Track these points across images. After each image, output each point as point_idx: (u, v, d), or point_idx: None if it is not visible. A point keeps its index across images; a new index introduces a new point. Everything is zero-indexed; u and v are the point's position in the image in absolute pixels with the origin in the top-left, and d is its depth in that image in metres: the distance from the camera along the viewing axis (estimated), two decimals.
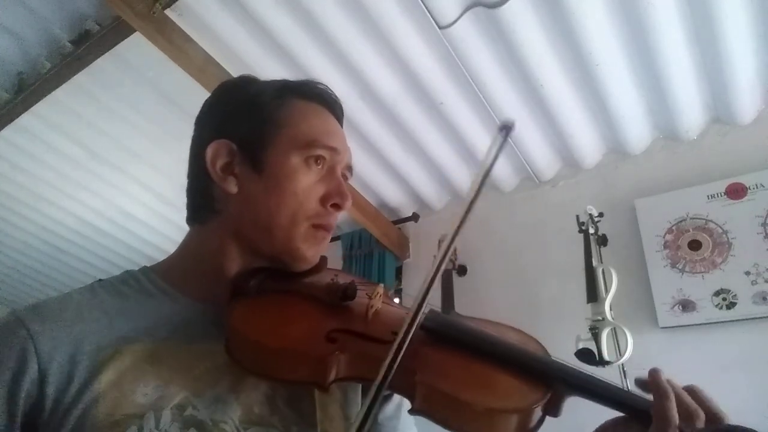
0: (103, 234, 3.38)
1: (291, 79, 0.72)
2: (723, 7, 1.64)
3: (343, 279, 0.67)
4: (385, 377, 0.47)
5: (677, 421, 0.49)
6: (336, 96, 0.73)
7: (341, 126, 0.73)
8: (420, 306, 0.54)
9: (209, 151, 0.65)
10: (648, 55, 1.83)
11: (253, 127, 0.66)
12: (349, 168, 0.71)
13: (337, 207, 0.66)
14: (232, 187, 0.65)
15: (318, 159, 0.65)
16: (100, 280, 0.67)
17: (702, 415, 0.51)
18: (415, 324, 0.53)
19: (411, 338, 0.54)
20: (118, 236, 3.40)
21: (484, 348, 0.59)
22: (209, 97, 0.73)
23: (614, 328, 1.85)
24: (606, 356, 1.79)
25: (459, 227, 0.57)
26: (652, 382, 0.54)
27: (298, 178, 0.64)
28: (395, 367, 0.49)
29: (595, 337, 1.83)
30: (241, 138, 0.66)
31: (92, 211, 3.16)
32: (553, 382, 0.56)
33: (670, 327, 1.98)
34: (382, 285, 0.67)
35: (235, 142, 0.66)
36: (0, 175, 2.83)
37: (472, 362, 0.58)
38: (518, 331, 0.67)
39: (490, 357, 0.58)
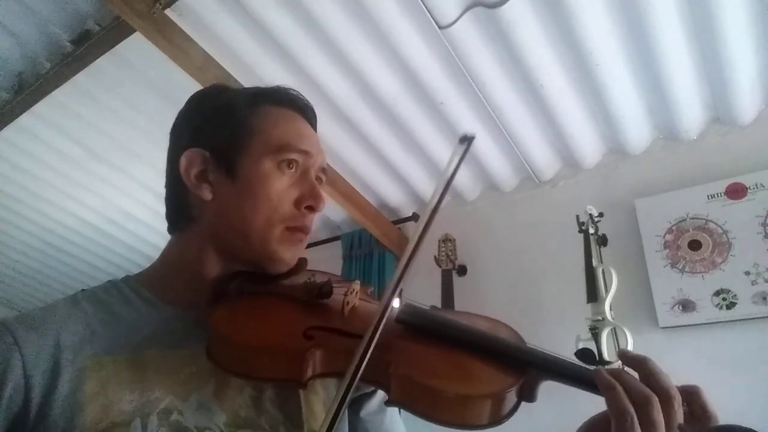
0: (103, 234, 3.38)
1: (263, 86, 0.73)
2: (723, 7, 1.64)
3: (320, 278, 0.68)
4: (357, 369, 0.48)
5: (632, 411, 0.49)
6: (307, 100, 0.74)
7: (315, 130, 0.74)
8: (389, 301, 0.55)
9: (183, 160, 0.66)
10: (648, 55, 1.83)
11: (225, 135, 0.67)
12: (323, 170, 0.72)
13: (311, 209, 0.67)
14: (207, 195, 0.66)
15: (291, 163, 0.66)
16: (83, 290, 0.68)
17: (654, 397, 0.50)
18: (384, 317, 0.54)
19: (385, 331, 0.55)
20: (118, 236, 3.40)
21: (457, 337, 0.61)
22: (183, 107, 0.73)
23: (614, 328, 1.86)
24: (606, 356, 1.79)
25: (421, 237, 0.61)
26: (597, 379, 0.53)
27: (271, 183, 0.65)
28: (366, 359, 0.49)
29: (595, 337, 1.83)
30: (214, 146, 0.67)
31: (92, 211, 3.16)
32: (525, 367, 0.57)
33: (670, 327, 1.98)
34: (358, 282, 0.69)
35: (208, 150, 0.67)
36: (0, 175, 2.83)
37: (446, 352, 0.59)
38: (492, 320, 0.68)
39: (463, 346, 0.60)
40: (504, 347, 0.60)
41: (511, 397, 0.55)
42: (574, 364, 0.57)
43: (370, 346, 0.51)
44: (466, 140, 0.65)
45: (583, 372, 0.56)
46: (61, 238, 3.44)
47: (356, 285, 0.67)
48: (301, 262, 0.70)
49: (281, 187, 0.65)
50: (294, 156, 0.67)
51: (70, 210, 3.14)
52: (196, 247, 0.67)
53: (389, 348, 0.57)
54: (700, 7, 1.67)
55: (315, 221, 0.73)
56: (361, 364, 0.49)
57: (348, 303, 0.64)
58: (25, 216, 3.21)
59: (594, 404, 0.57)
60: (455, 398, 0.53)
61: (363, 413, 0.71)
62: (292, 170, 0.67)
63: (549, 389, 0.58)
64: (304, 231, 0.68)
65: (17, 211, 3.17)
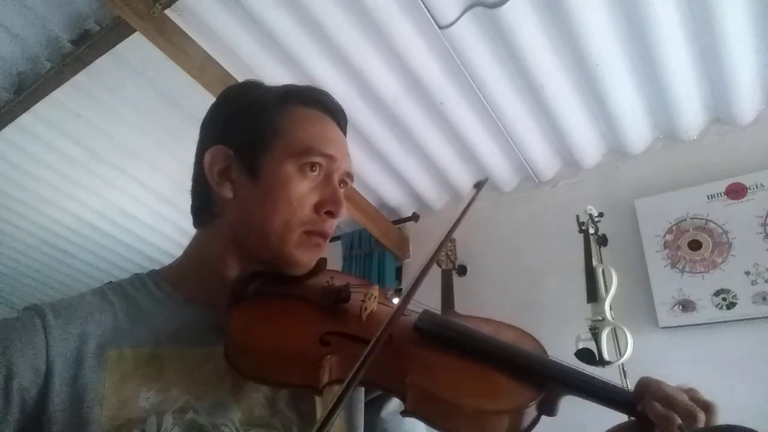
0: (103, 234, 3.38)
1: (294, 84, 0.73)
2: (723, 6, 1.65)
3: (340, 281, 0.68)
4: (356, 373, 0.47)
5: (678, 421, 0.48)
6: (338, 102, 0.73)
7: (344, 132, 0.73)
8: (399, 309, 0.55)
9: (207, 157, 0.66)
10: (648, 54, 1.83)
11: (250, 134, 0.67)
12: (349, 175, 0.71)
13: (331, 214, 0.66)
14: (228, 193, 0.66)
15: (313, 166, 0.66)
16: (110, 282, 0.69)
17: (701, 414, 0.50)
18: (391, 325, 0.53)
19: (403, 339, 0.54)
20: (118, 236, 3.40)
21: (476, 348, 0.59)
22: (214, 102, 0.73)
23: (614, 328, 1.85)
24: (606, 356, 1.78)
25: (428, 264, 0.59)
26: (644, 387, 0.53)
27: (292, 186, 0.64)
28: (367, 363, 0.48)
29: (595, 337, 1.83)
30: (238, 144, 0.67)
31: (92, 211, 3.16)
32: (547, 382, 0.55)
33: (670, 327, 1.98)
34: (377, 286, 0.68)
35: (232, 148, 0.66)
36: (0, 175, 2.83)
37: (465, 363, 0.58)
38: (515, 329, 0.67)
39: (482, 357, 0.58)
40: (525, 360, 0.57)
41: (531, 411, 0.53)
42: (599, 379, 0.55)
43: (375, 347, 0.49)
44: (479, 185, 0.69)
45: (609, 389, 0.54)
46: (61, 238, 3.44)
47: (375, 290, 0.66)
48: (321, 263, 0.70)
49: (302, 190, 0.65)
50: (317, 160, 0.66)
51: (70, 210, 3.14)
52: (217, 244, 0.68)
53: (406, 357, 0.56)
54: (700, 7, 1.67)
55: None
56: (364, 364, 0.48)
57: (366, 308, 0.63)
58: (25, 216, 3.21)
59: (598, 412, 0.57)
60: (474, 413, 0.52)
61: (384, 413, 0.71)
62: (315, 173, 0.66)
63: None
64: (322, 236, 0.67)
65: (17, 211, 3.16)
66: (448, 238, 0.63)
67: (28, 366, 0.54)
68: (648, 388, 0.52)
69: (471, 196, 0.69)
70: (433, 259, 0.61)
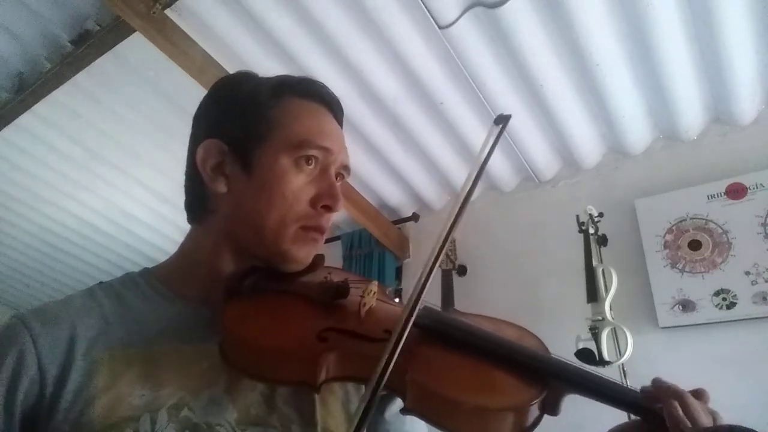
0: (103, 234, 3.38)
1: (289, 75, 0.71)
2: (723, 6, 1.65)
3: (338, 277, 0.67)
4: (380, 378, 0.46)
5: (689, 424, 0.48)
6: (334, 94, 0.71)
7: (340, 124, 0.72)
8: (414, 305, 0.53)
9: (200, 151, 0.65)
10: (648, 54, 1.83)
11: (244, 127, 0.65)
12: (345, 167, 0.69)
13: (328, 209, 0.65)
14: (222, 188, 0.64)
15: (309, 159, 0.64)
16: (101, 282, 0.68)
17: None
18: (410, 324, 0.52)
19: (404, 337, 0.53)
20: (118, 236, 3.40)
21: (477, 345, 0.58)
22: (207, 94, 0.72)
23: (614, 328, 1.85)
24: (606, 356, 1.78)
25: (454, 223, 0.57)
26: (659, 387, 0.52)
27: (288, 180, 0.63)
28: (390, 366, 0.48)
29: (595, 337, 1.83)
30: (232, 138, 0.65)
31: (92, 211, 3.16)
32: (549, 380, 0.54)
33: (670, 327, 1.98)
34: (376, 282, 0.66)
35: (226, 142, 0.65)
36: (0, 175, 2.83)
37: (465, 360, 0.57)
38: (516, 327, 0.66)
39: (483, 354, 0.57)
40: (527, 358, 0.57)
41: (534, 410, 0.52)
42: (603, 377, 0.54)
43: (395, 351, 0.48)
44: (502, 120, 0.63)
45: (613, 387, 0.54)
46: (61, 238, 3.44)
47: (374, 285, 0.65)
48: (318, 259, 0.68)
49: (297, 184, 0.63)
50: (313, 152, 0.64)
51: (70, 210, 3.14)
52: (211, 240, 0.66)
53: (407, 354, 0.54)
54: (700, 7, 1.67)
55: None
56: (386, 371, 0.47)
57: (365, 304, 0.62)
58: (25, 216, 3.21)
59: (597, 410, 0.56)
60: (475, 410, 0.51)
61: (387, 414, 0.69)
62: (311, 167, 0.64)
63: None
64: (319, 231, 0.66)
65: (17, 211, 3.17)
66: (467, 201, 0.59)
67: (25, 378, 0.54)
68: (664, 390, 0.52)
69: (494, 135, 0.62)
70: (444, 245, 0.58)
